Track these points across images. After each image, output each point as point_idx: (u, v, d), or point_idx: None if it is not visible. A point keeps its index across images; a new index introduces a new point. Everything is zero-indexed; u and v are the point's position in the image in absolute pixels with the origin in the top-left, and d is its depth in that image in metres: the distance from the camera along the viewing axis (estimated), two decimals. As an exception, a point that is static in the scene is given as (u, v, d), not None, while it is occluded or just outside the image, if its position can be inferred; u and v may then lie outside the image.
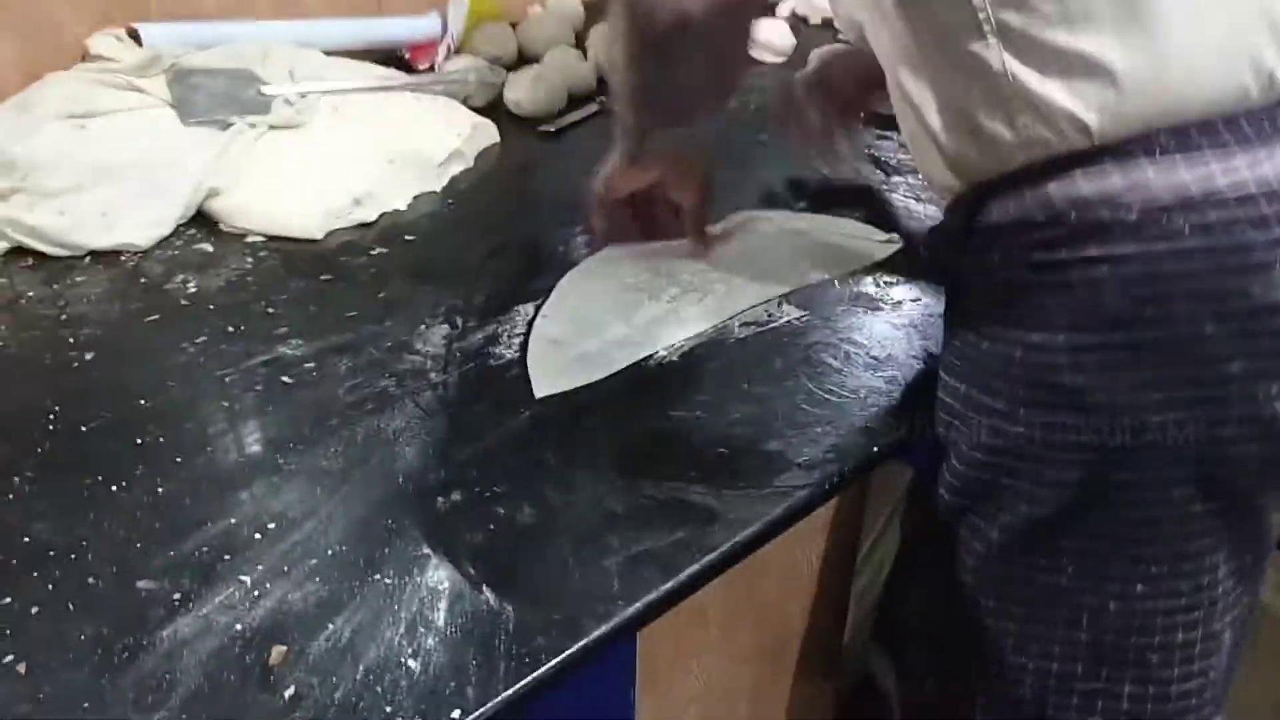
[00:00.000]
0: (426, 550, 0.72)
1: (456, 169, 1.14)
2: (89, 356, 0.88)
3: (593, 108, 1.25)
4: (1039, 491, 0.72)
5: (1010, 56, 0.67)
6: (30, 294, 0.95)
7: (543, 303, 0.95)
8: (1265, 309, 0.64)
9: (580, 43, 1.35)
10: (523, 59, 1.31)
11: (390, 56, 1.28)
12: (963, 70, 0.69)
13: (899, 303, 0.97)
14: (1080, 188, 0.66)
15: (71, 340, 0.90)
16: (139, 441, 0.80)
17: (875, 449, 0.81)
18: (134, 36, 1.11)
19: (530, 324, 0.93)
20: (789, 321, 0.94)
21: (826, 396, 0.86)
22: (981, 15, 0.67)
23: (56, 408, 0.83)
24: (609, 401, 0.86)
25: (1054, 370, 0.69)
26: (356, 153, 1.09)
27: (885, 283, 0.99)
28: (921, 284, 0.99)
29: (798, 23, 1.45)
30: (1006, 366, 0.72)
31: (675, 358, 0.90)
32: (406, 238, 1.05)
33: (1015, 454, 0.73)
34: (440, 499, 0.76)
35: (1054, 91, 0.66)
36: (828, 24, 1.44)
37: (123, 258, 1.00)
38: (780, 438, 0.82)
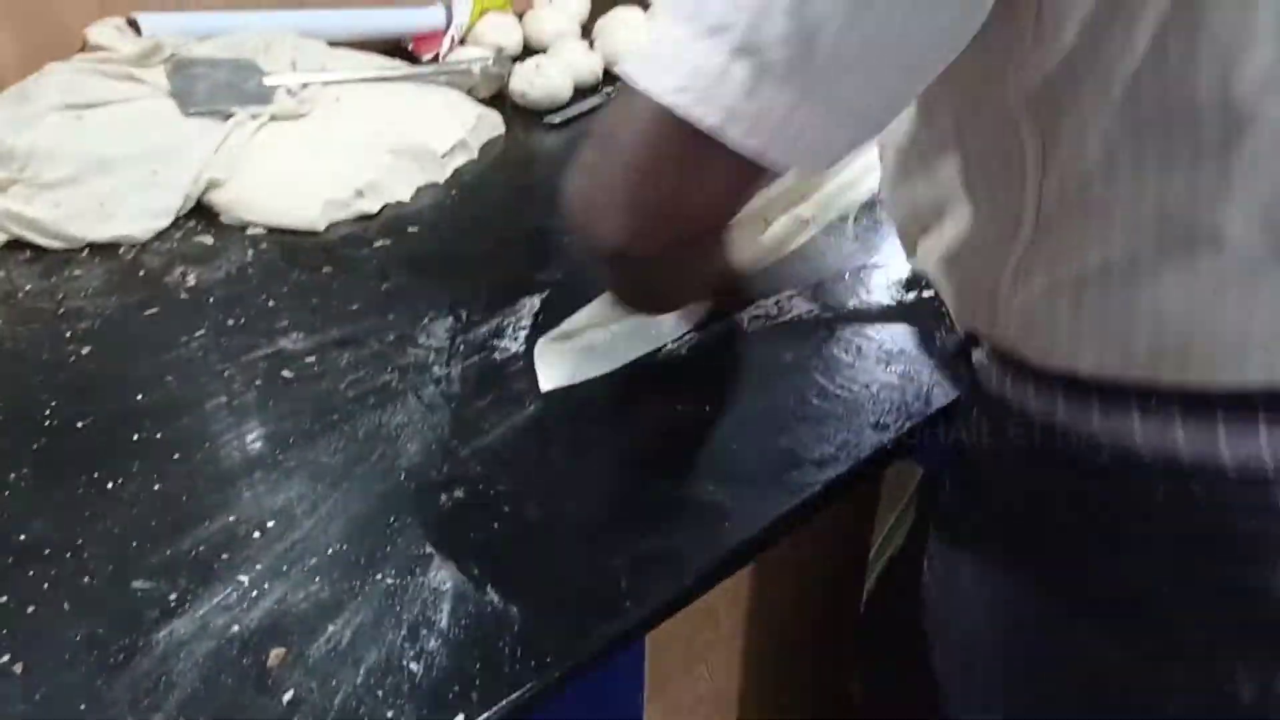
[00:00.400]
0: (429, 549, 0.70)
1: (461, 160, 1.12)
2: (86, 350, 0.87)
3: (598, 99, 1.23)
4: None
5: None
6: (28, 287, 0.93)
7: (548, 295, 0.94)
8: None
9: (586, 34, 1.33)
10: (528, 50, 1.29)
11: (394, 47, 1.26)
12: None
13: (912, 296, 0.95)
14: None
15: (69, 334, 0.88)
16: (136, 437, 0.79)
17: (888, 446, 0.80)
18: (134, 26, 1.09)
19: (535, 316, 0.91)
20: (799, 315, 0.92)
21: (838, 392, 0.84)
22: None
23: (53, 403, 0.82)
24: (616, 396, 0.84)
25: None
26: (359, 143, 1.07)
27: (898, 278, 0.97)
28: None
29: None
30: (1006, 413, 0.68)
31: (683, 350, 0.88)
32: (410, 229, 1.03)
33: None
34: (443, 496, 0.75)
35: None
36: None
37: (121, 250, 0.98)
38: (791, 433, 0.80)
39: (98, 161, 0.99)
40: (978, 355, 0.70)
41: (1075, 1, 0.51)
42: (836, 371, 0.86)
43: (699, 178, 0.53)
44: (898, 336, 0.90)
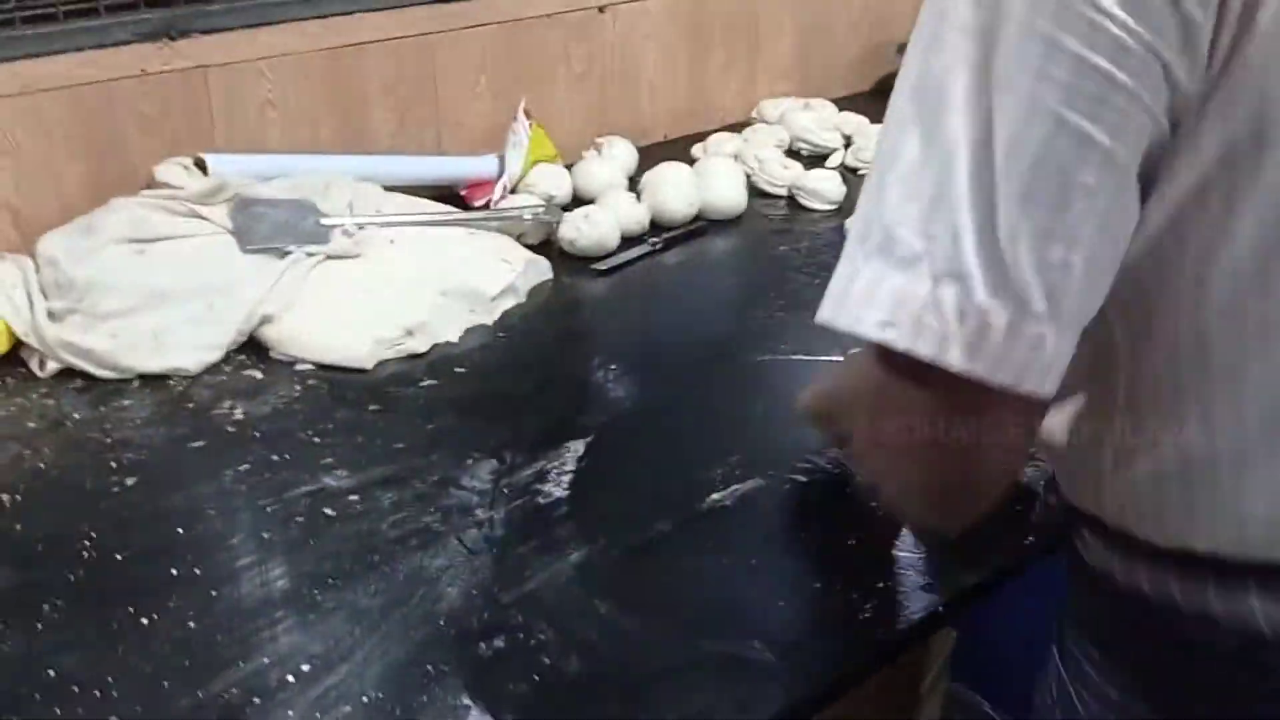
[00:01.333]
0: (467, 700, 0.68)
1: (509, 303, 1.13)
2: (130, 482, 0.87)
3: (644, 248, 1.25)
4: None
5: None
6: (77, 416, 0.94)
7: (592, 439, 0.93)
8: None
9: (633, 186, 1.36)
10: (577, 200, 1.32)
11: (447, 194, 1.29)
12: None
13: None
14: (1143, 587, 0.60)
15: (114, 465, 0.88)
16: (174, 572, 0.78)
17: (940, 609, 0.77)
18: (200, 166, 1.13)
19: (580, 461, 0.91)
20: (845, 468, 0.91)
21: (888, 550, 0.82)
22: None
23: (93, 534, 0.81)
24: (661, 545, 0.82)
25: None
26: (410, 284, 1.09)
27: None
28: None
29: (847, 173, 1.46)
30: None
31: (729, 502, 0.87)
32: (457, 370, 1.03)
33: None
34: (483, 644, 0.73)
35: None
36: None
37: (171, 382, 0.99)
38: (840, 592, 0.78)
39: (155, 294, 1.01)
40: (1083, 531, 0.66)
41: (1164, 192, 0.50)
42: (886, 529, 0.84)
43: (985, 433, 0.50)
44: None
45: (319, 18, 1.26)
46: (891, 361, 0.49)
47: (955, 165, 0.46)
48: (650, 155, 1.44)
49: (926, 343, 0.46)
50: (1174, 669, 0.61)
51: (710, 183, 1.33)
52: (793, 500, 0.88)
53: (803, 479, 0.90)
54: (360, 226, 1.14)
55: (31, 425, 0.93)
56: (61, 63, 1.10)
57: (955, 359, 0.46)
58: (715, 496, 0.87)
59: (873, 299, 0.48)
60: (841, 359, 1.02)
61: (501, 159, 1.32)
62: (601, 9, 1.40)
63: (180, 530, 0.82)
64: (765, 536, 0.83)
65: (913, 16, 1.68)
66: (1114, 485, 0.61)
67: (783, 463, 0.91)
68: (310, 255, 1.09)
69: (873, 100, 1.71)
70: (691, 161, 1.46)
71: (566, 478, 0.89)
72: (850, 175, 1.46)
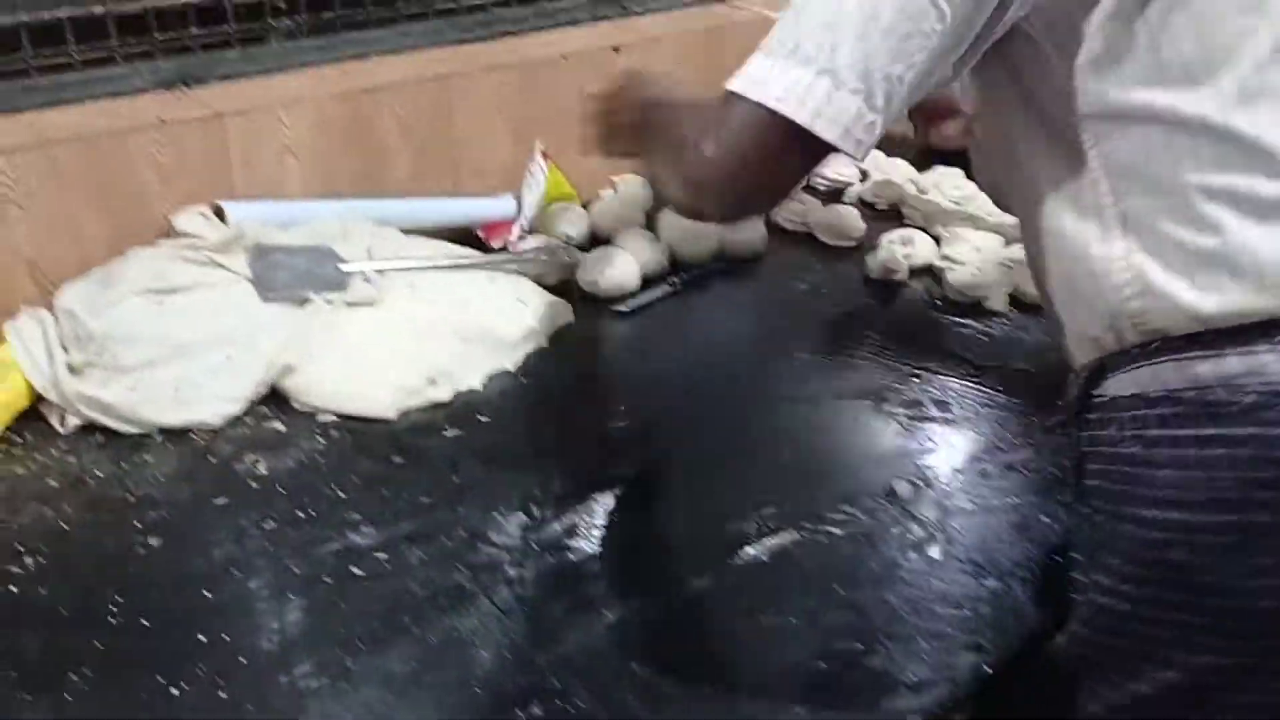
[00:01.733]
0: (507, 772, 0.66)
1: (531, 348, 1.12)
2: (154, 542, 0.85)
3: (665, 288, 1.24)
4: (1145, 669, 0.71)
5: (1135, 247, 0.69)
6: (99, 473, 0.93)
7: (622, 492, 0.92)
8: None
9: (650, 223, 1.35)
10: (595, 240, 1.31)
11: (465, 235, 1.29)
12: (1083, 259, 0.72)
13: (999, 501, 0.92)
14: (1197, 368, 0.67)
15: (138, 524, 0.87)
16: (201, 639, 0.76)
17: (989, 669, 0.76)
18: (219, 214, 1.12)
19: (610, 516, 0.89)
20: (880, 519, 0.90)
21: (930, 605, 0.80)
22: (1107, 207, 0.70)
23: (119, 597, 0.79)
24: (697, 603, 0.81)
25: (1164, 547, 0.68)
26: (431, 331, 1.08)
27: (982, 473, 0.95)
28: (1014, 476, 0.95)
29: (864, 208, 1.45)
30: (1116, 540, 0.71)
31: (765, 556, 0.86)
32: (480, 418, 1.02)
33: (1119, 632, 0.72)
34: (519, 711, 0.71)
35: (1176, 285, 0.67)
36: (894, 210, 1.44)
37: (193, 435, 0.97)
38: (883, 652, 0.76)
39: (175, 346, 0.99)
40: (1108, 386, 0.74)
41: None
42: (925, 583, 0.83)
43: (788, 161, 0.70)
44: (987, 543, 0.87)
45: (335, 62, 1.26)
46: (774, 122, 0.67)
47: (847, 5, 0.66)
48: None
49: (805, 113, 0.66)
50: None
51: (730, 225, 1.32)
52: (828, 554, 0.86)
53: (838, 531, 0.88)
54: (380, 272, 1.12)
55: (53, 484, 0.91)
56: (78, 112, 1.09)
57: (821, 128, 0.66)
58: (750, 551, 0.86)
59: (775, 81, 0.67)
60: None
61: (519, 199, 1.31)
62: (616, 48, 1.39)
63: (207, 594, 0.80)
64: (802, 593, 0.82)
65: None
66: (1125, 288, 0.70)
67: (816, 514, 0.90)
68: (330, 303, 1.07)
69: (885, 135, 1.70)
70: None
71: (597, 532, 0.88)
72: (868, 210, 1.45)
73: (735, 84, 0.69)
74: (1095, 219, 0.71)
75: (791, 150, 0.68)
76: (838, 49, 0.66)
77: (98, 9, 1.11)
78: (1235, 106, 0.65)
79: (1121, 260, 0.70)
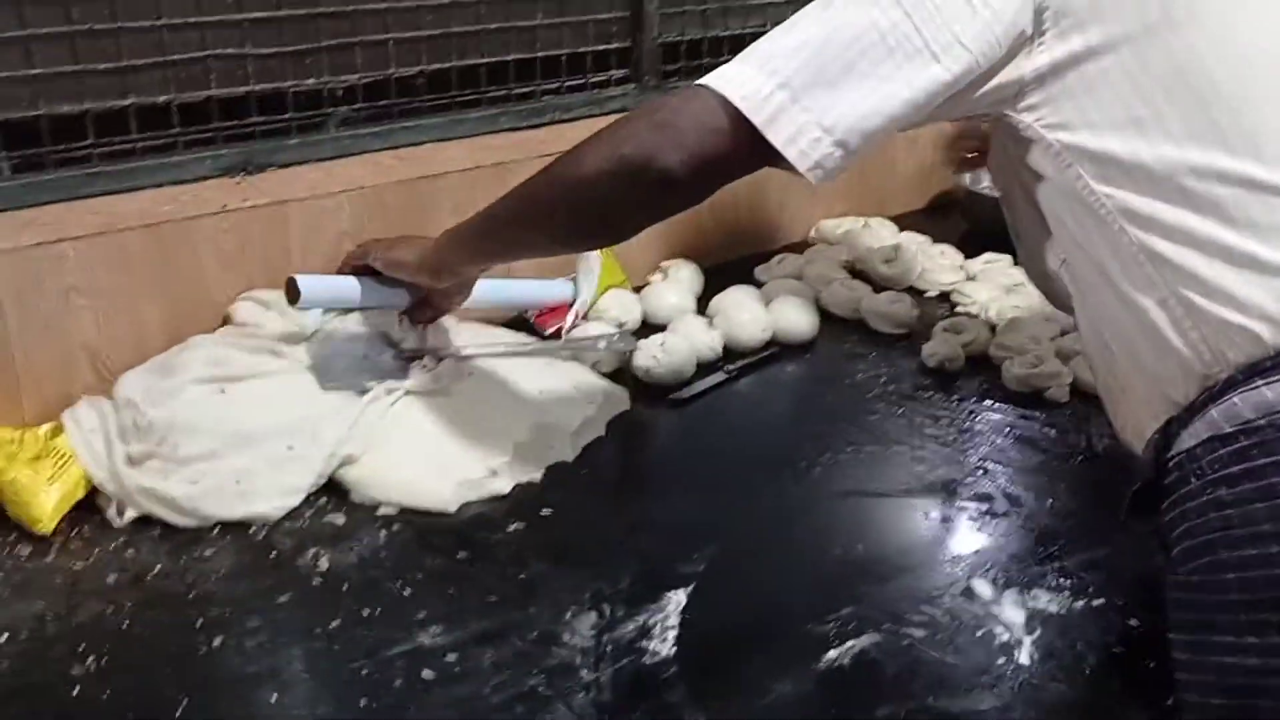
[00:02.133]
0: None
1: (589, 437, 1.10)
2: (217, 642, 0.83)
3: (719, 376, 1.23)
4: None
5: (1177, 286, 0.73)
6: (157, 567, 0.90)
7: (694, 588, 0.89)
8: None
9: (701, 309, 1.35)
10: (646, 325, 1.31)
11: (518, 321, 1.28)
12: (1131, 308, 0.76)
13: (1082, 597, 0.89)
14: (1265, 395, 0.68)
15: (199, 622, 0.85)
16: (273, 746, 0.73)
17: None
18: (292, 289, 1.07)
19: (683, 614, 0.87)
20: (962, 620, 0.87)
21: (1027, 713, 0.77)
22: (1132, 249, 0.75)
23: (184, 700, 0.77)
24: (780, 712, 0.78)
25: (1275, 583, 0.66)
26: (491, 421, 1.06)
27: (1061, 570, 0.92)
28: (1097, 574, 0.92)
29: (914, 295, 1.44)
30: (1224, 593, 0.68)
31: (847, 661, 0.83)
32: (543, 512, 1.00)
33: (1254, 690, 0.67)
34: (605, 827, 0.68)
35: (1223, 308, 0.71)
36: (944, 297, 1.44)
37: (251, 529, 0.95)
38: (981, 767, 0.73)
39: (236, 436, 0.98)
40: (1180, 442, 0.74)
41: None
42: (1018, 690, 0.80)
43: (735, 149, 0.78)
44: (1078, 648, 0.84)
45: (391, 149, 1.26)
46: (733, 114, 0.76)
47: (818, 33, 0.76)
48: (713, 277, 1.43)
49: (760, 117, 0.75)
50: None
51: (783, 309, 1.31)
52: (912, 658, 0.83)
53: (919, 634, 0.86)
54: (438, 360, 1.11)
55: (111, 580, 0.89)
56: (141, 199, 1.09)
57: (772, 135, 0.75)
58: (831, 655, 0.83)
59: (744, 83, 0.76)
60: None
61: (574, 282, 1.30)
62: (667, 135, 1.40)
63: (274, 699, 0.78)
64: (889, 700, 0.79)
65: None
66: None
67: (896, 614, 0.87)
68: (390, 392, 1.06)
69: (930, 218, 1.71)
70: (755, 283, 1.45)
71: (671, 633, 0.85)
72: (917, 296, 1.44)
73: (707, 79, 0.78)
74: (1146, 289, 0.74)
75: (742, 143, 0.77)
76: (801, 70, 0.75)
77: (162, 98, 1.12)
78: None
79: (1169, 298, 0.73)
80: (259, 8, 1.14)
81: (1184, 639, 0.72)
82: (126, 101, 1.10)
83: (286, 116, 1.20)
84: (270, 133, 1.19)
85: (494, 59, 1.34)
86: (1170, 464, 0.74)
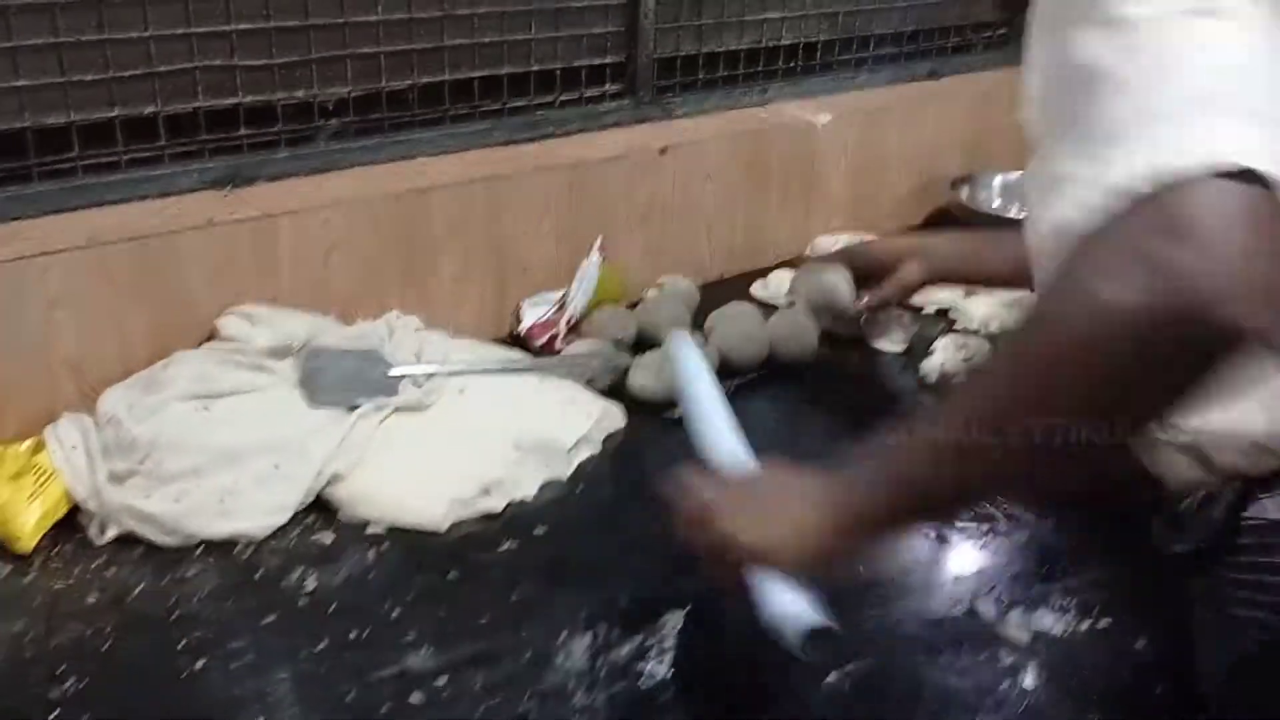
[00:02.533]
0: None
1: (584, 455, 1.08)
2: (199, 665, 0.80)
3: (716, 393, 1.21)
4: None
5: None
6: (139, 588, 0.88)
7: (691, 609, 0.87)
8: None
9: (695, 324, 1.33)
10: (642, 341, 1.29)
11: (508, 335, 1.26)
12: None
13: (1087, 618, 0.87)
14: None
15: (182, 644, 0.82)
16: (254, 772, 0.71)
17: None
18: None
19: (680, 635, 0.84)
20: (966, 642, 0.85)
21: (1033, 738, 0.75)
22: None
23: (166, 727, 0.74)
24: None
25: None
26: (483, 438, 1.04)
27: (1065, 589, 0.90)
28: (1100, 593, 0.90)
29: (914, 311, 1.42)
30: None
31: (847, 685, 0.80)
32: (536, 531, 0.98)
33: None
34: None
35: None
36: (941, 314, 1.42)
37: (235, 549, 0.93)
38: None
39: (221, 454, 0.96)
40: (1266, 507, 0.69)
41: None
42: (1022, 714, 0.78)
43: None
44: (1083, 671, 0.82)
45: (382, 162, 1.24)
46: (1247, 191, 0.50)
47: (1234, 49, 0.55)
48: (708, 293, 1.41)
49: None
50: None
51: (780, 327, 1.30)
52: (914, 681, 0.81)
53: (922, 655, 0.84)
54: (428, 376, 1.09)
55: (92, 600, 0.86)
56: (126, 212, 1.07)
57: None
58: (830, 680, 0.81)
59: (1215, 140, 0.51)
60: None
61: (563, 296, 1.28)
62: (662, 150, 1.39)
63: (259, 722, 0.75)
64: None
65: (963, 155, 1.68)
66: None
67: (898, 636, 0.85)
68: (379, 409, 1.04)
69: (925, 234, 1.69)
70: (752, 299, 1.43)
71: (668, 655, 0.83)
72: (917, 314, 1.42)
73: (1161, 160, 0.52)
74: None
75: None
76: (1253, 93, 0.53)
77: (148, 109, 1.11)
78: None
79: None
80: (249, 19, 1.13)
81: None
82: (113, 113, 1.09)
83: (276, 129, 1.18)
84: (259, 145, 1.18)
85: (488, 72, 1.33)
86: (1248, 526, 0.71)
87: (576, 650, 0.83)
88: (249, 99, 1.16)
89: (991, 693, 0.80)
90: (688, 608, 0.87)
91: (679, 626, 0.86)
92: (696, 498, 0.75)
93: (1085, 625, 0.87)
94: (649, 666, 0.81)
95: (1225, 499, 0.72)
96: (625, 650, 0.83)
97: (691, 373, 0.92)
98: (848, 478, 0.68)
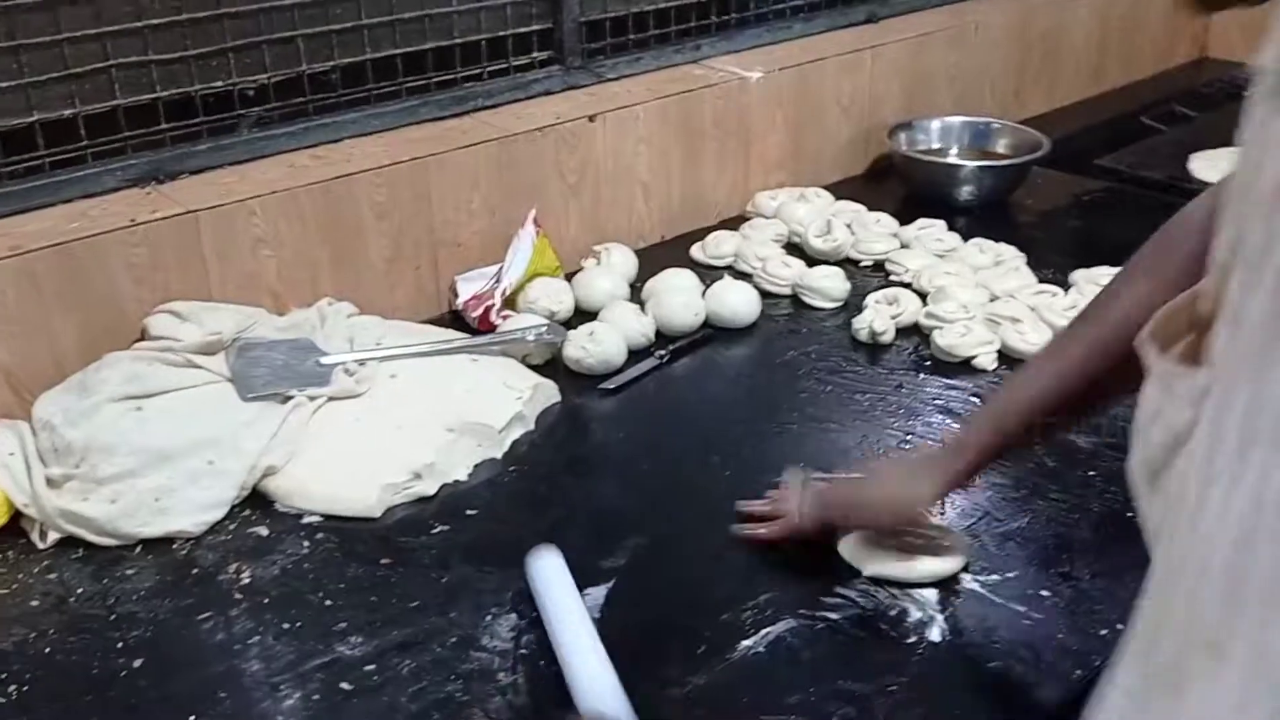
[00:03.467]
0: None
1: (518, 433, 1.10)
2: (137, 663, 0.83)
3: (652, 362, 1.23)
4: None
5: None
6: (80, 590, 0.91)
7: (614, 585, 0.90)
8: None
9: (635, 292, 1.34)
10: (579, 312, 1.30)
11: (446, 316, 1.28)
12: None
13: (997, 571, 0.90)
14: None
15: (121, 644, 0.85)
16: (188, 767, 0.74)
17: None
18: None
19: (603, 609, 0.87)
20: (878, 601, 0.88)
21: (935, 692, 0.79)
22: None
23: (103, 726, 0.77)
24: (696, 703, 0.79)
25: None
26: (415, 423, 1.06)
27: (978, 545, 0.93)
28: (1010, 547, 0.93)
29: (850, 267, 1.44)
30: None
31: (762, 647, 0.84)
32: (468, 512, 1.00)
33: None
34: (516, 832, 0.69)
35: None
36: (878, 266, 1.44)
37: (174, 545, 0.96)
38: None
39: (155, 454, 0.98)
40: None
41: None
42: (929, 669, 0.81)
43: None
44: (989, 625, 0.85)
45: (308, 148, 1.25)
46: None
47: None
48: (649, 258, 1.42)
49: None
50: None
51: (721, 293, 1.31)
52: (827, 642, 0.84)
53: (835, 617, 0.87)
54: (361, 363, 1.11)
55: (34, 604, 0.89)
56: (50, 216, 1.08)
57: None
58: (747, 643, 0.84)
59: None
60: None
61: (499, 270, 1.30)
62: (591, 118, 1.39)
63: (192, 718, 0.78)
64: (802, 686, 0.80)
65: (902, 99, 1.68)
66: None
67: (812, 600, 0.88)
68: (312, 399, 1.06)
69: (868, 184, 1.70)
70: (691, 262, 1.44)
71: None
72: (852, 267, 1.44)
73: None
74: None
75: None
76: None
77: (68, 111, 1.11)
78: None
79: None
80: (159, 14, 1.13)
81: None
82: (32, 118, 1.09)
83: (196, 121, 1.19)
84: (181, 139, 1.18)
85: (411, 49, 1.32)
86: None
87: (502, 631, 0.86)
88: (166, 93, 1.16)
89: (899, 649, 0.83)
90: (611, 583, 0.90)
91: (601, 602, 0.88)
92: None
93: (995, 578, 0.90)
94: (572, 642, 0.84)
95: None
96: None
97: (550, 592, 0.87)
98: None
